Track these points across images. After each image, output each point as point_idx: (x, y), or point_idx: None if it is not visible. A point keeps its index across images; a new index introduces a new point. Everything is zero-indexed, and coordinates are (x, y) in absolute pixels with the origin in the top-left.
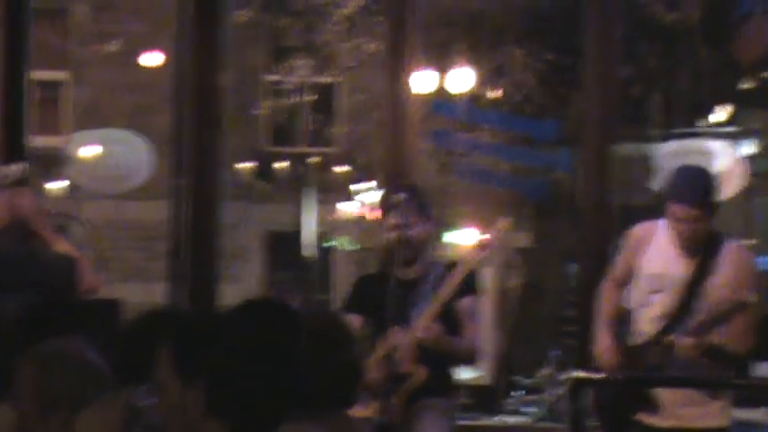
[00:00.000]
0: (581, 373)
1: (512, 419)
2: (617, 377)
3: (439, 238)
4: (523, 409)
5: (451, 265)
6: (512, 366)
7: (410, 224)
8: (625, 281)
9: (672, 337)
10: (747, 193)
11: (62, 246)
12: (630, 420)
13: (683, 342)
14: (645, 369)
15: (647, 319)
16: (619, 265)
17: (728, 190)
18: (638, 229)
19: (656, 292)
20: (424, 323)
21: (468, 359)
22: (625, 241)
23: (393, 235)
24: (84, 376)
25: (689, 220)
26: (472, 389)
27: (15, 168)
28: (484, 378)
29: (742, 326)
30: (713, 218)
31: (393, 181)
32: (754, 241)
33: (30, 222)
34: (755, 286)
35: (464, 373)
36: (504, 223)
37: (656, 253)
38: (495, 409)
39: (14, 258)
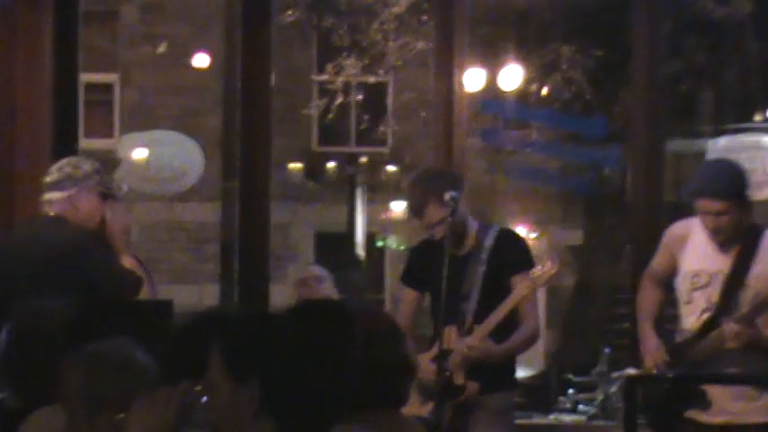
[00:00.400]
0: (634, 371)
1: (567, 418)
2: (669, 375)
3: None
4: (579, 408)
5: (503, 234)
6: (564, 364)
7: (456, 212)
8: (665, 278)
9: (717, 331)
10: None
11: (132, 266)
12: (681, 418)
13: (729, 330)
14: (692, 365)
15: (691, 316)
16: (657, 261)
17: None
18: (676, 228)
19: (698, 288)
20: (472, 342)
21: (528, 347)
22: (664, 239)
23: (442, 229)
24: (130, 377)
25: (712, 213)
26: (526, 387)
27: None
28: (537, 377)
29: None
30: (743, 210)
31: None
32: None
33: (112, 237)
34: None
35: (518, 372)
36: (552, 267)
37: (694, 250)
38: (549, 408)
39: (89, 259)
